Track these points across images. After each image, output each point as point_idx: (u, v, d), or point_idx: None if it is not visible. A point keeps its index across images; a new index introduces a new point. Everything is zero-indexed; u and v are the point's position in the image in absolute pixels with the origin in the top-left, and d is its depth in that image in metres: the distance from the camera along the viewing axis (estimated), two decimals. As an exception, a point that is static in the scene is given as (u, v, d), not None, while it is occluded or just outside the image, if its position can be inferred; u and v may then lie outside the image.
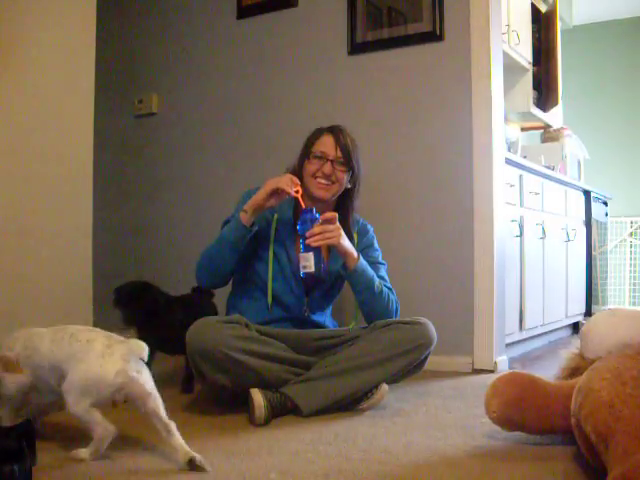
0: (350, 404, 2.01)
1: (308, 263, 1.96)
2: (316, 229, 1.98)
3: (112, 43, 3.71)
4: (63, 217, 2.49)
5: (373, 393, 2.01)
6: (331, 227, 2.01)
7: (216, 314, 2.37)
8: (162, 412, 1.52)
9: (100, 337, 1.60)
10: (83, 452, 1.53)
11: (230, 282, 2.28)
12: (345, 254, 2.08)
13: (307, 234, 1.98)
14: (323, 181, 2.16)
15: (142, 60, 3.72)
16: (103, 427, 1.52)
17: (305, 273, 1.98)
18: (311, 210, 2.02)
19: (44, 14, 2.42)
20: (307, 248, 1.98)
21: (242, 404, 1.94)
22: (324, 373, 2.01)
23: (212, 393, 2.09)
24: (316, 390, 1.97)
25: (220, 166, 3.43)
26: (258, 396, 1.87)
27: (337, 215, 2.06)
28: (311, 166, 2.18)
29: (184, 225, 3.53)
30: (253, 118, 3.34)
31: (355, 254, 2.10)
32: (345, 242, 2.07)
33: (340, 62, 3.11)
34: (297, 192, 2.05)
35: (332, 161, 2.16)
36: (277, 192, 2.07)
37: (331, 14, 3.13)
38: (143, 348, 1.58)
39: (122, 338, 1.61)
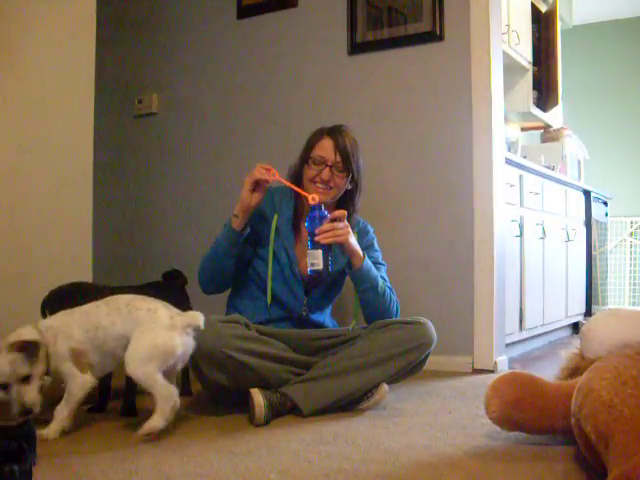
0: (350, 404, 2.01)
1: (316, 260, 1.94)
2: (326, 226, 1.96)
3: (112, 43, 3.71)
4: (63, 217, 2.49)
5: (373, 393, 2.01)
6: (340, 225, 1.99)
7: (187, 300, 2.34)
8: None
9: (160, 307, 1.69)
10: (151, 423, 1.59)
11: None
12: (352, 253, 2.07)
13: (316, 231, 1.95)
14: (321, 186, 2.15)
15: (142, 60, 3.71)
16: (165, 388, 1.60)
17: (313, 270, 1.95)
18: (320, 207, 1.99)
19: (44, 14, 2.42)
20: (315, 245, 1.95)
21: (242, 404, 1.94)
22: (324, 373, 2.01)
23: (212, 394, 2.09)
24: (316, 390, 1.97)
25: (220, 166, 3.43)
26: (258, 396, 1.87)
27: (346, 213, 2.04)
28: (310, 171, 2.17)
29: (184, 224, 3.53)
30: (253, 118, 3.34)
31: (361, 253, 2.09)
32: (353, 241, 2.06)
33: (340, 62, 3.11)
34: (274, 175, 2.06)
35: (331, 166, 2.15)
36: (257, 185, 2.07)
37: (331, 14, 3.13)
38: (200, 319, 1.70)
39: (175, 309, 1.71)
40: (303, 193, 2.07)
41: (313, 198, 2.00)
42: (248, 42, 3.36)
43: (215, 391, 2.04)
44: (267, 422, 1.85)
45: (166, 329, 1.64)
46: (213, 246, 2.15)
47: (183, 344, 1.67)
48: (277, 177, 2.07)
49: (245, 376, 1.92)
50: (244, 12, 3.36)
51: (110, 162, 3.66)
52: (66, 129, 2.51)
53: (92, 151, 2.61)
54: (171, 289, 2.32)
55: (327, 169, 2.14)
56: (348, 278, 2.21)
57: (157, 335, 1.63)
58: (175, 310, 1.72)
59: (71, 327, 1.68)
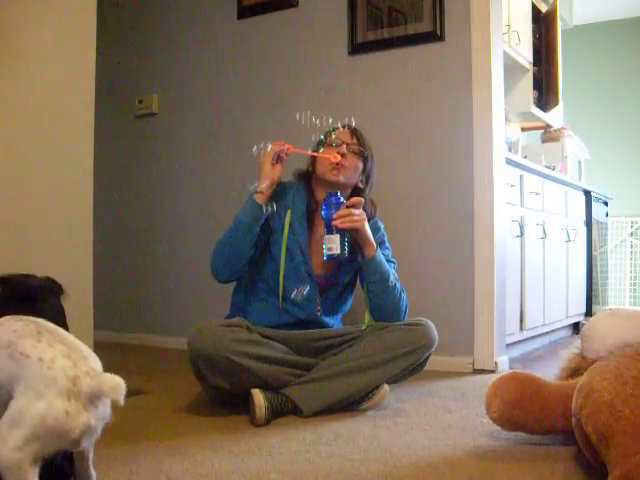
0: (351, 404, 2.01)
1: (334, 245, 1.97)
2: (343, 211, 1.99)
3: (113, 43, 3.71)
4: (63, 217, 2.49)
5: (374, 394, 2.01)
6: (357, 211, 2.02)
7: (63, 315, 1.69)
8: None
9: (59, 357, 1.10)
10: None
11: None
12: (366, 241, 2.07)
13: (334, 216, 1.98)
14: (337, 161, 2.10)
15: (142, 60, 3.72)
16: None
17: (329, 255, 1.98)
18: (336, 194, 2.03)
19: (44, 14, 2.42)
20: (331, 231, 1.98)
21: (243, 405, 1.94)
22: (325, 374, 2.00)
23: (210, 396, 2.08)
24: (317, 391, 1.97)
25: (220, 166, 3.43)
26: (259, 396, 1.87)
27: (362, 201, 2.07)
28: (327, 150, 2.14)
29: (185, 225, 3.54)
30: (253, 118, 3.34)
31: (374, 244, 2.09)
32: (368, 228, 2.07)
33: (340, 62, 3.11)
34: (289, 149, 2.06)
35: (347, 145, 2.15)
36: (278, 157, 2.07)
37: (331, 14, 3.13)
38: (119, 390, 1.09)
39: (89, 359, 1.15)
40: (324, 155, 2.08)
41: (335, 156, 2.03)
42: (248, 42, 3.36)
43: (215, 394, 2.04)
44: (267, 422, 1.85)
45: (63, 398, 1.06)
46: (232, 226, 2.09)
47: (86, 425, 1.08)
48: (294, 149, 2.08)
49: (246, 379, 1.91)
50: (244, 12, 3.37)
51: (110, 162, 3.66)
52: (66, 129, 2.51)
53: (92, 151, 2.61)
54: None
55: (344, 145, 2.14)
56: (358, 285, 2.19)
57: (49, 408, 1.05)
58: (82, 363, 1.11)
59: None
